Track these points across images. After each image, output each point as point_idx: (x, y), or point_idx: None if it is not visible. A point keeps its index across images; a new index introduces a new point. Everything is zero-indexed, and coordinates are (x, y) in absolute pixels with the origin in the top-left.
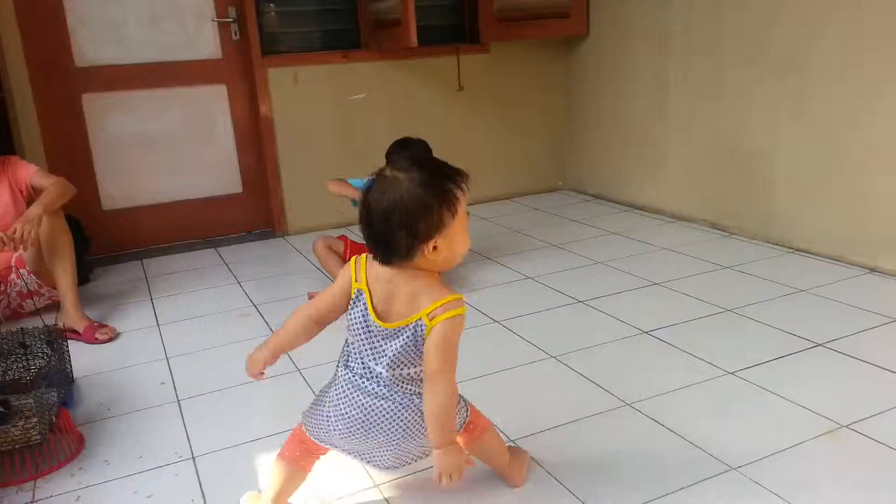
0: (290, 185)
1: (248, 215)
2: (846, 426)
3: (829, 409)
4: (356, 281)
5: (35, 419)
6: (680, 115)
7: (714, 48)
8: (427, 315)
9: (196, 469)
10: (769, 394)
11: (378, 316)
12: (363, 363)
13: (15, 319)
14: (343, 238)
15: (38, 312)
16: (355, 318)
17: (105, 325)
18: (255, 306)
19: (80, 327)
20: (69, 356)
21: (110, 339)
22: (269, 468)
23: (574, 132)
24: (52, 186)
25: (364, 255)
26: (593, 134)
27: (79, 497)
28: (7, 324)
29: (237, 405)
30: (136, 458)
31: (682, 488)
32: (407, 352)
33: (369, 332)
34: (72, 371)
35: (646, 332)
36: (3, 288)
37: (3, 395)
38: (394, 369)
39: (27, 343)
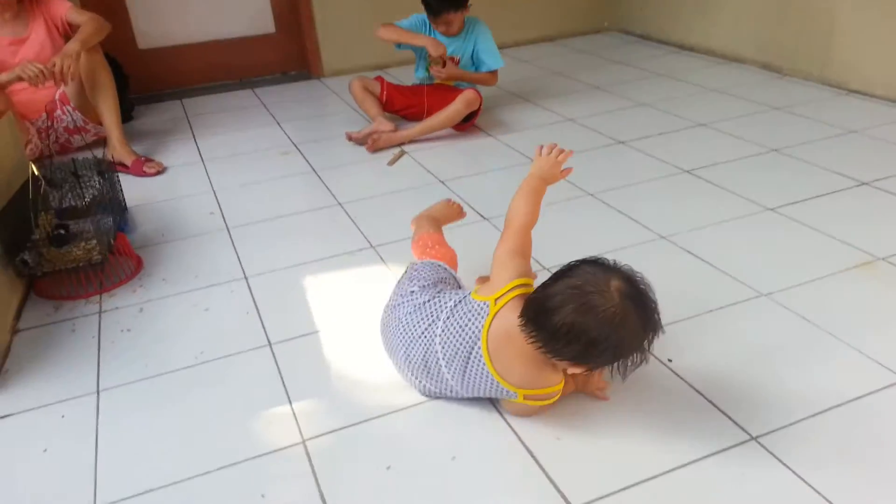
0: (324, 24)
1: (283, 56)
2: (882, 258)
3: (866, 243)
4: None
5: (94, 241)
6: None
7: None
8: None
9: (249, 287)
10: (808, 228)
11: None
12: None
13: (64, 154)
14: (379, 79)
15: (86, 148)
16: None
17: (152, 160)
18: (295, 145)
19: (127, 161)
20: (121, 185)
21: (158, 173)
22: (317, 288)
23: None
24: (87, 22)
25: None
26: None
27: (141, 309)
28: (57, 158)
29: (283, 234)
30: (192, 278)
31: (711, 311)
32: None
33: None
34: (124, 199)
35: (687, 171)
36: (50, 123)
37: (62, 221)
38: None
39: (79, 173)
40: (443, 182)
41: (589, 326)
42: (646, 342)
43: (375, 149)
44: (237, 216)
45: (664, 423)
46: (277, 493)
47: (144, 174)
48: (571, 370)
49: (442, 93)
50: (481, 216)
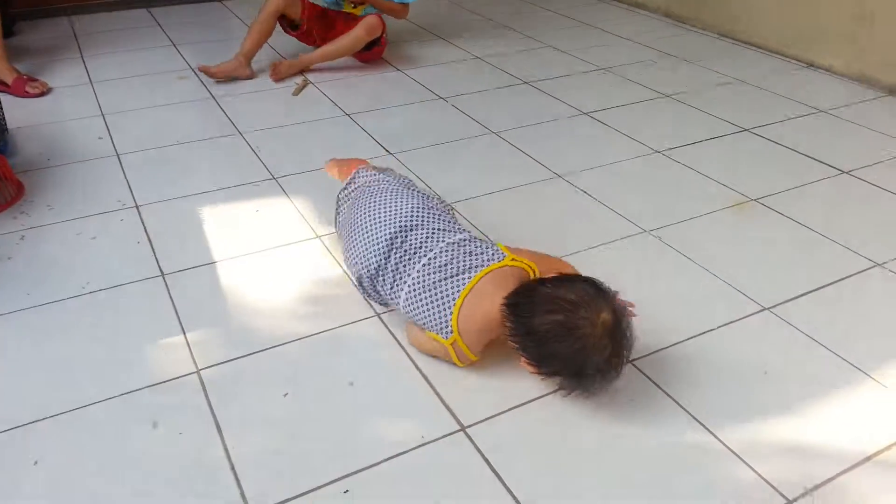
0: None
1: None
2: (755, 199)
3: (742, 185)
4: None
5: None
6: None
7: None
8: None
9: (140, 216)
10: (691, 171)
11: None
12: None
13: None
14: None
15: None
16: None
17: (36, 80)
18: (193, 70)
19: (8, 79)
20: (1, 105)
21: (42, 94)
22: (213, 219)
23: None
24: None
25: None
26: None
27: (23, 236)
28: None
29: (179, 162)
30: (78, 204)
31: (599, 245)
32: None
33: None
34: (4, 120)
35: (586, 114)
36: None
37: None
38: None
39: None
40: (348, 115)
41: (563, 343)
42: (599, 377)
43: (279, 78)
44: (128, 142)
45: None
46: (171, 422)
47: (27, 94)
48: (524, 364)
49: (351, 23)
50: (386, 150)
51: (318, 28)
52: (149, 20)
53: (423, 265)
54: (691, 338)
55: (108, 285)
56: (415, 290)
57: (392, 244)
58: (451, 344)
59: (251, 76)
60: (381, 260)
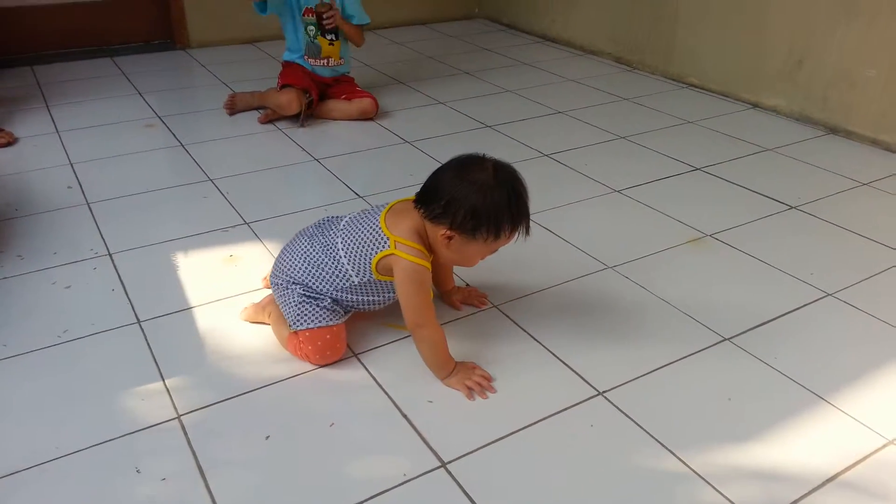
0: None
1: (146, 24)
2: (710, 235)
3: (697, 221)
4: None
5: None
6: None
7: None
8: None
9: (114, 263)
10: (648, 208)
11: None
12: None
13: None
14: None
15: None
16: None
17: (1, 129)
18: (160, 118)
19: None
20: None
21: (8, 144)
22: (188, 265)
23: None
24: None
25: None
26: None
27: None
28: None
29: (150, 210)
30: (50, 254)
31: (564, 282)
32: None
33: None
34: None
35: (546, 155)
36: None
37: None
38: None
39: None
40: (317, 160)
41: (458, 186)
42: (510, 218)
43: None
44: (99, 191)
45: (519, 383)
46: (153, 467)
47: None
48: (441, 232)
49: (342, 87)
50: (356, 194)
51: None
52: (113, 69)
53: (344, 224)
54: (657, 369)
55: (85, 333)
56: (347, 234)
57: (312, 239)
58: (398, 246)
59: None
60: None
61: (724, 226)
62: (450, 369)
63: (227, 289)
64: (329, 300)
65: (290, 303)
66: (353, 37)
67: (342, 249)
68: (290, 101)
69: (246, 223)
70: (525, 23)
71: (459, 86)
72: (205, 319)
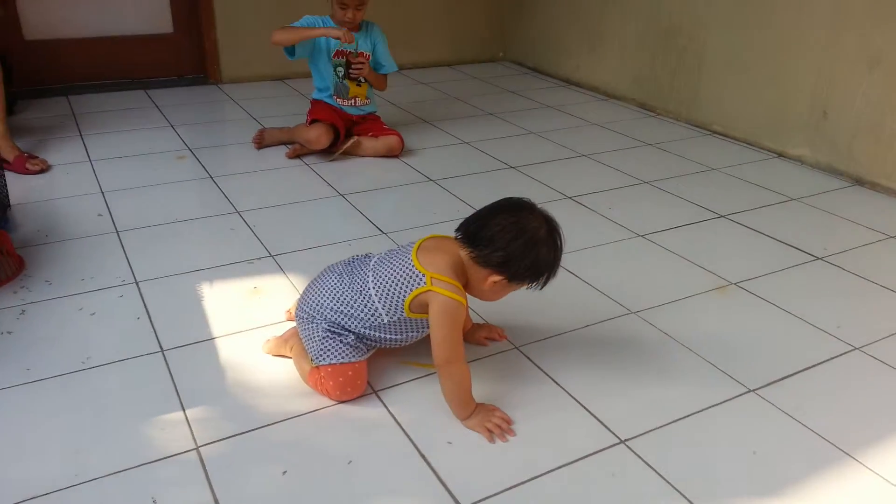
0: (225, 29)
1: (179, 58)
2: (734, 283)
3: (721, 268)
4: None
5: None
6: None
7: None
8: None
9: (140, 292)
10: (672, 254)
11: None
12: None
13: None
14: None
15: None
16: None
17: (36, 157)
18: (191, 150)
19: (9, 156)
20: (5, 181)
21: (42, 171)
22: (212, 295)
23: (519, 3)
24: None
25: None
26: (538, 6)
27: (23, 311)
28: None
29: (178, 240)
30: (78, 280)
31: (587, 326)
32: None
33: None
34: (7, 196)
35: (569, 198)
36: None
37: None
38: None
39: None
40: (342, 195)
41: (518, 238)
42: (552, 269)
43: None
44: (128, 220)
45: (540, 427)
46: (170, 498)
47: (27, 171)
48: (492, 278)
49: (369, 125)
50: (379, 230)
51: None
52: (146, 101)
53: (374, 263)
54: (681, 418)
55: (108, 360)
56: (378, 272)
57: (341, 275)
58: (434, 282)
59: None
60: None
61: (750, 274)
62: (471, 410)
63: (251, 321)
64: (353, 336)
65: (314, 337)
66: (377, 84)
67: (373, 288)
68: (318, 135)
69: (271, 255)
70: (550, 67)
71: (484, 126)
72: (227, 350)
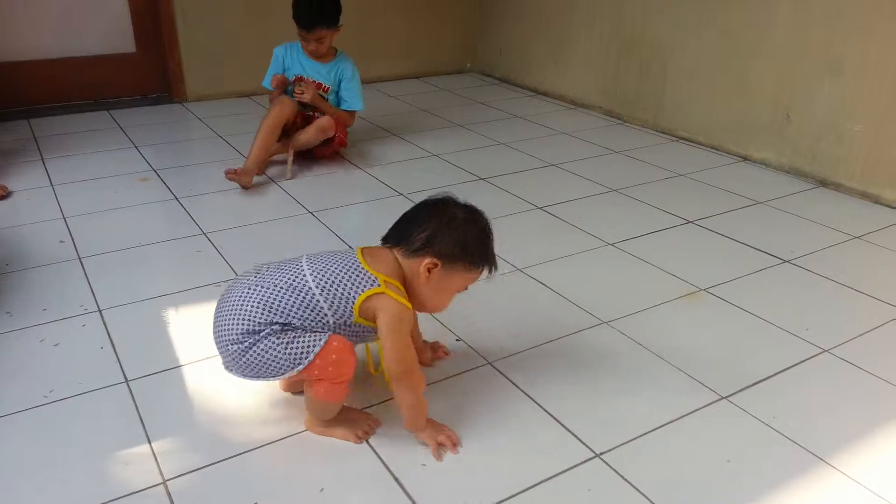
0: (189, 46)
1: (143, 78)
2: (704, 289)
3: (691, 275)
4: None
5: None
6: (587, 4)
7: None
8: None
9: (103, 320)
10: (642, 262)
11: None
12: None
13: None
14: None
15: None
16: None
17: None
18: (155, 171)
19: None
20: None
21: (2, 198)
22: (178, 321)
23: (486, 15)
24: None
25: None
26: (504, 18)
27: None
28: None
29: (142, 265)
30: (39, 311)
31: (560, 338)
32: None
33: None
34: None
35: (539, 208)
36: None
37: None
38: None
39: None
40: (311, 213)
41: (441, 217)
42: (483, 248)
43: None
44: (91, 245)
45: (515, 444)
46: None
47: None
48: (424, 263)
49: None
50: (349, 246)
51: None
52: (109, 122)
53: (307, 264)
54: (655, 429)
55: (72, 393)
56: (319, 271)
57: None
58: (387, 284)
59: (249, 185)
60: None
61: (719, 280)
62: (425, 420)
63: (215, 347)
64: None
65: (274, 349)
66: (338, 118)
67: (316, 287)
68: (283, 105)
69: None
70: (517, 77)
71: (453, 138)
72: (193, 378)
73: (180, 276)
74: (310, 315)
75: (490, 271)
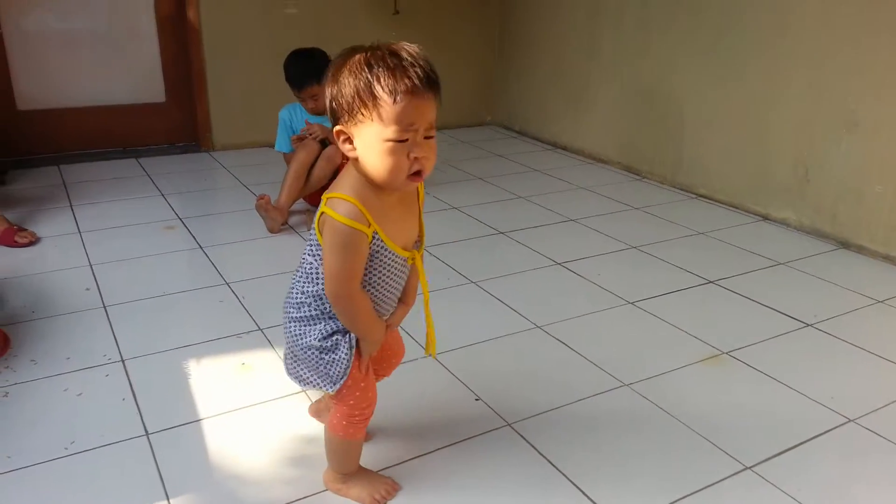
0: (217, 97)
1: (172, 127)
2: (726, 353)
3: (712, 337)
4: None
5: None
6: (606, 59)
7: None
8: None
9: (126, 370)
10: (662, 322)
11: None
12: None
13: None
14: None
15: None
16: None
17: (25, 229)
18: (181, 219)
19: None
20: None
21: (30, 244)
22: (199, 373)
23: (505, 68)
24: None
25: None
26: (523, 71)
27: (7, 393)
28: None
29: (165, 314)
30: (63, 359)
31: (580, 400)
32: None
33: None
34: None
35: (559, 264)
36: None
37: None
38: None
39: None
40: None
41: (346, 71)
42: (371, 73)
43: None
44: (115, 293)
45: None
46: None
47: (15, 244)
48: (342, 140)
49: None
50: None
51: None
52: (137, 170)
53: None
54: (680, 499)
55: (93, 445)
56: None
57: None
58: (327, 203)
59: (276, 230)
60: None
61: (741, 343)
62: (380, 333)
63: (237, 400)
64: (323, 325)
65: (304, 351)
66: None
67: (306, 246)
68: (308, 149)
69: (260, 329)
70: (536, 130)
71: (472, 191)
72: (212, 433)
73: (202, 326)
74: (308, 273)
75: (387, 85)
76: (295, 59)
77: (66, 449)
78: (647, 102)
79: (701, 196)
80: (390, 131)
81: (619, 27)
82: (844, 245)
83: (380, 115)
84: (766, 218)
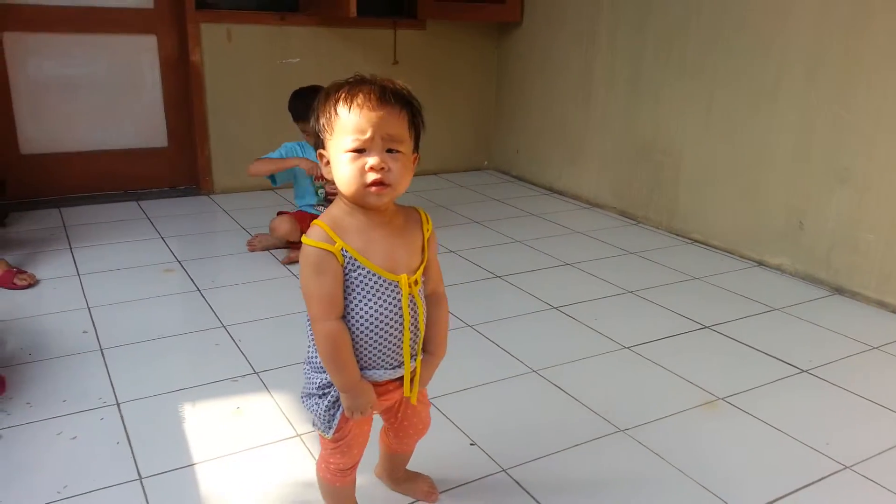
0: (218, 143)
1: (173, 171)
2: (722, 398)
3: (708, 383)
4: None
5: None
6: (600, 107)
7: (635, 48)
8: None
9: (121, 414)
10: (658, 367)
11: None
12: None
13: None
14: (294, 216)
15: None
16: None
17: (24, 271)
18: (180, 262)
19: None
20: None
21: (29, 286)
22: (194, 417)
23: (502, 115)
24: None
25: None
26: (520, 118)
27: (1, 436)
28: None
29: (161, 357)
30: (59, 402)
31: (576, 445)
32: None
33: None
34: None
35: (555, 308)
36: None
37: None
38: None
39: None
40: None
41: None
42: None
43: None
44: (112, 336)
45: None
46: None
47: (14, 286)
48: (323, 162)
49: None
50: None
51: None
52: (137, 212)
53: None
54: None
55: (86, 490)
56: None
57: None
58: (307, 233)
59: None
60: None
61: (737, 389)
62: (349, 380)
63: (231, 445)
64: (325, 375)
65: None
66: None
67: None
68: (280, 222)
69: (255, 373)
70: (532, 175)
71: (469, 235)
72: (205, 478)
73: (198, 369)
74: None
75: (344, 100)
76: (302, 95)
77: (58, 493)
78: (641, 154)
79: (696, 241)
80: (346, 142)
81: (612, 87)
82: (839, 291)
83: (337, 128)
84: (761, 264)
